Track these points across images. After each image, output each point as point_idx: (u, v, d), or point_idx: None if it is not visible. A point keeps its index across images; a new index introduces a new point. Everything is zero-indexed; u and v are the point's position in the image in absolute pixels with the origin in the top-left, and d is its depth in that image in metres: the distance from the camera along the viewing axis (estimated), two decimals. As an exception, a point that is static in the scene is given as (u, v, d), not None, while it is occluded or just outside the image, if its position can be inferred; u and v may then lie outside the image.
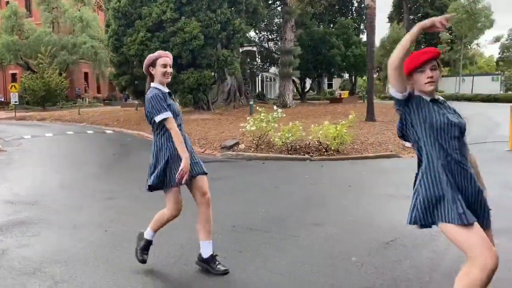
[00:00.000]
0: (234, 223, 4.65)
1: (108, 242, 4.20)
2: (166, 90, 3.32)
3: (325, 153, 9.44)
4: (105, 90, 47.57)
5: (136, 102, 24.71)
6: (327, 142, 9.44)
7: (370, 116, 14.80)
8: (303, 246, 3.92)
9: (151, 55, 3.34)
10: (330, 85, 56.52)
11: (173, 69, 13.87)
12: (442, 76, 51.05)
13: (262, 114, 10.02)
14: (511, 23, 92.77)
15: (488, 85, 44.58)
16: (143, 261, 3.46)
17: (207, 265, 3.35)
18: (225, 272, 3.29)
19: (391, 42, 41.60)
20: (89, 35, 38.81)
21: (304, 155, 9.41)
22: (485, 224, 2.19)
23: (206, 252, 3.35)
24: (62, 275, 3.43)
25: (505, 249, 3.23)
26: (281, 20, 26.68)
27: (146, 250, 3.47)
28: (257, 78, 42.79)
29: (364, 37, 45.94)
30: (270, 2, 30.48)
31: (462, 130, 2.20)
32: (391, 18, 50.26)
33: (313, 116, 17.92)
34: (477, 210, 2.17)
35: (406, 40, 2.17)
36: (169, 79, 3.32)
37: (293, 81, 34.55)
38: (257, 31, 31.90)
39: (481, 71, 55.90)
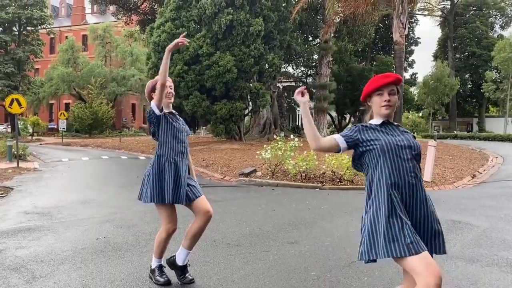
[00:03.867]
0: (215, 238, 4.84)
1: (98, 249, 4.48)
2: (168, 110, 3.41)
3: (339, 183, 9.46)
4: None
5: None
6: (340, 172, 9.47)
7: (397, 151, 14.58)
8: (270, 260, 4.04)
9: (150, 81, 3.47)
10: (372, 122, 55.95)
11: (207, 100, 14.53)
12: (489, 116, 49.47)
13: (279, 143, 10.25)
14: None
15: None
16: (167, 283, 3.40)
17: (177, 270, 3.47)
18: (191, 281, 3.42)
19: (434, 80, 41.00)
20: (138, 69, 41.06)
21: (317, 184, 9.48)
22: (435, 249, 2.19)
23: (182, 259, 3.45)
24: (42, 271, 3.75)
25: None
26: (318, 56, 27.11)
27: (162, 273, 3.46)
28: (297, 112, 43.24)
29: (406, 75, 45.74)
30: (310, 39, 31.18)
31: (415, 151, 2.19)
32: (436, 56, 49.65)
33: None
34: (426, 234, 2.16)
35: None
36: (171, 100, 3.41)
37: (330, 115, 34.65)
38: (294, 67, 32.49)
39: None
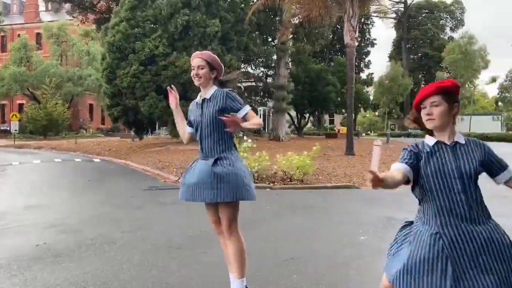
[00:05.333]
0: (158, 241, 4.93)
1: (37, 255, 4.46)
2: (203, 96, 3.04)
3: (289, 182, 9.72)
4: (109, 122, 48.57)
5: (132, 133, 25.29)
6: (291, 172, 9.73)
7: (349, 150, 15.09)
8: (206, 262, 4.19)
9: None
10: (332, 121, 57.16)
11: (165, 101, 14.24)
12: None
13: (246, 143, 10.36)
14: (507, 65, 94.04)
15: (489, 124, 44.86)
16: None
17: None
18: None
19: (389, 80, 42.35)
20: (95, 68, 40.11)
21: (268, 184, 9.69)
22: None
23: None
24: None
25: None
26: (276, 57, 27.46)
27: None
28: (258, 112, 43.55)
29: (363, 75, 47.04)
30: (269, 40, 31.49)
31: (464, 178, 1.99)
32: (391, 57, 51.31)
33: (302, 149, 18.23)
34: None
35: None
36: (201, 80, 2.99)
37: (290, 115, 35.15)
38: (253, 68, 32.74)
39: (485, 111, 56.33)
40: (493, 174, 2.03)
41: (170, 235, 5.27)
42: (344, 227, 5.76)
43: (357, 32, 15.25)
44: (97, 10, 30.20)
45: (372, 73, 45.37)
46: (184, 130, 3.23)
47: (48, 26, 41.15)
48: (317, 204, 7.66)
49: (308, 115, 37.55)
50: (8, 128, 40.63)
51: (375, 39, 49.99)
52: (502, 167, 2.02)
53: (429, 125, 2.07)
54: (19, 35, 43.72)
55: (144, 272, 3.92)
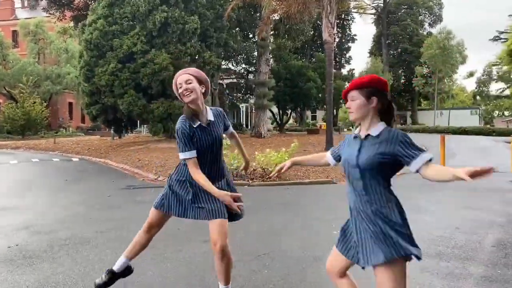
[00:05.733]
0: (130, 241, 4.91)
1: (8, 257, 4.41)
2: (206, 117, 2.90)
3: (268, 179, 9.77)
4: (89, 120, 47.93)
5: (112, 131, 25.01)
6: (270, 168, 9.78)
7: (329, 146, 15.22)
8: (180, 259, 4.21)
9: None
10: (314, 117, 57.48)
11: (144, 99, 14.08)
12: (421, 109, 52.39)
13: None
14: (484, 59, 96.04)
15: (467, 118, 45.75)
16: None
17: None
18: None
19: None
20: (74, 66, 39.46)
21: (247, 181, 9.73)
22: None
23: None
24: None
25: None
26: (257, 54, 27.49)
27: None
28: (241, 109, 43.52)
29: (344, 71, 47.40)
30: (250, 36, 31.47)
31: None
32: (371, 52, 51.78)
33: (283, 145, 18.34)
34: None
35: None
36: (192, 95, 2.79)
37: (272, 112, 35.23)
38: (234, 64, 32.70)
39: (464, 105, 57.37)
40: (406, 163, 2.12)
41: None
42: (317, 223, 5.84)
43: (335, 28, 15.36)
44: (75, 7, 29.71)
45: (353, 69, 45.66)
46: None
47: (25, 23, 40.30)
48: (293, 200, 7.74)
49: (290, 111, 37.68)
50: (-15, 128, 39.80)
51: (355, 35, 50.46)
52: (412, 156, 2.08)
53: (350, 117, 2.28)
54: (-7, 33, 42.69)
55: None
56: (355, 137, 2.29)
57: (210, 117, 2.91)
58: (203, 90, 2.88)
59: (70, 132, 38.98)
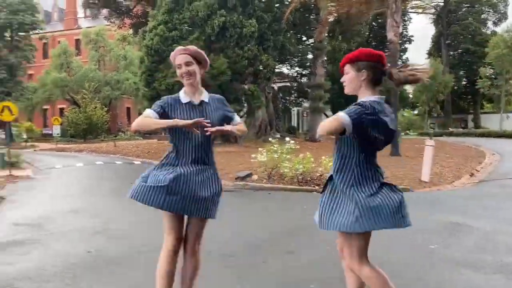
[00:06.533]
0: (211, 249, 4.67)
1: (89, 263, 4.32)
2: (198, 97, 2.73)
3: (336, 185, 9.32)
4: (146, 124, 49.34)
5: (168, 135, 25.44)
6: (337, 175, 9.33)
7: (395, 150, 14.52)
8: (266, 273, 3.91)
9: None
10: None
11: None
12: (484, 112, 49.43)
13: (274, 146, 10.11)
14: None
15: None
16: None
17: None
18: None
19: (429, 78, 40.93)
20: (132, 72, 40.83)
21: (314, 186, 9.34)
22: None
23: None
24: (27, 290, 3.59)
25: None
26: (312, 56, 27.07)
27: None
28: (292, 112, 43.17)
29: (401, 73, 45.67)
30: (304, 39, 31.12)
31: None
32: (430, 54, 49.71)
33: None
34: None
35: None
36: (190, 80, 2.69)
37: (326, 115, 34.59)
38: (289, 67, 32.42)
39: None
40: None
41: (219, 242, 5.01)
42: (407, 234, 5.35)
43: (400, 27, 14.66)
44: (133, 14, 30.68)
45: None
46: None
47: (87, 32, 42.23)
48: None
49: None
50: (50, 132, 42.03)
51: (412, 36, 48.62)
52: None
53: (345, 91, 2.44)
54: (59, 42, 45.13)
55: (199, 283, 3.68)
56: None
57: (204, 98, 2.76)
58: (202, 71, 2.78)
59: (128, 136, 40.25)
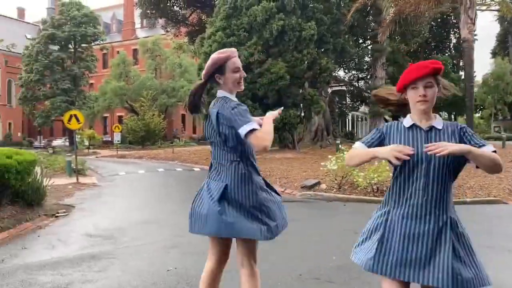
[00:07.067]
0: (301, 271, 4.21)
1: (170, 284, 4.00)
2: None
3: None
4: (201, 130, 50.12)
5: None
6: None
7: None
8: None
9: (216, 56, 2.49)
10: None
11: (260, 109, 13.60)
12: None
13: (344, 153, 9.52)
14: None
15: None
16: None
17: None
18: None
19: (495, 78, 38.52)
20: (187, 80, 41.53)
21: (390, 198, 8.65)
22: None
23: None
24: (113, 315, 3.28)
25: None
26: (371, 59, 26.07)
27: None
28: (347, 117, 42.05)
29: (463, 74, 43.34)
30: (360, 41, 30.13)
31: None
32: (494, 53, 46.85)
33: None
34: None
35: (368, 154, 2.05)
36: (242, 88, 2.58)
37: (386, 119, 33.27)
38: (346, 70, 31.52)
39: None
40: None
41: (308, 263, 4.53)
42: (492, 251, 4.62)
43: (475, 24, 13.59)
44: (189, 23, 31.07)
45: (474, 71, 41.65)
46: None
47: (144, 42, 43.48)
48: (468, 225, 6.49)
49: (403, 118, 35.33)
50: (110, 139, 43.59)
51: (475, 34, 46.01)
52: (479, 146, 1.93)
53: (420, 107, 1.99)
54: (118, 52, 46.86)
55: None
56: (409, 127, 2.04)
57: (212, 108, 2.57)
58: None
59: (183, 142, 40.88)
